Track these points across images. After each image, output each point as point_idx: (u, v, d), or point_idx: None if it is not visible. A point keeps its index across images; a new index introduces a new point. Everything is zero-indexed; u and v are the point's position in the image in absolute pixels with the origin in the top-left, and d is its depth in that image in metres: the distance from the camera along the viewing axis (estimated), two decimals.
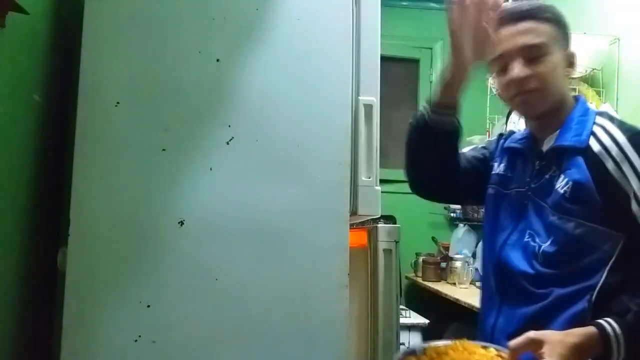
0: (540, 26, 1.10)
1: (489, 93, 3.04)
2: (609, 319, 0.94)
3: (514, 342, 0.90)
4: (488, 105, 3.00)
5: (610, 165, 1.00)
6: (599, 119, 1.06)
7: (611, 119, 1.06)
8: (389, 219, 3.32)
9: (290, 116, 1.20)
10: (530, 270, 1.05)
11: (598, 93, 2.44)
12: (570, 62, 1.13)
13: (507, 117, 2.86)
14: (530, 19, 1.10)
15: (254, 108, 1.19)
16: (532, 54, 1.08)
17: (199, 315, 1.13)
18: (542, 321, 1.00)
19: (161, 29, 1.19)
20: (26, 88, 1.14)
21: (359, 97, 1.23)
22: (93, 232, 1.12)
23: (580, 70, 2.43)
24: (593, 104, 1.83)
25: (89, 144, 1.14)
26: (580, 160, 1.03)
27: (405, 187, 4.00)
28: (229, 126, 1.18)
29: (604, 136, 1.03)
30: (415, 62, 3.58)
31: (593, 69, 2.44)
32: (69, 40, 1.23)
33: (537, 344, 0.89)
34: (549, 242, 1.04)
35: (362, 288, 1.43)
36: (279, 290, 1.15)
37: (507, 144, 1.21)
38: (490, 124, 3.04)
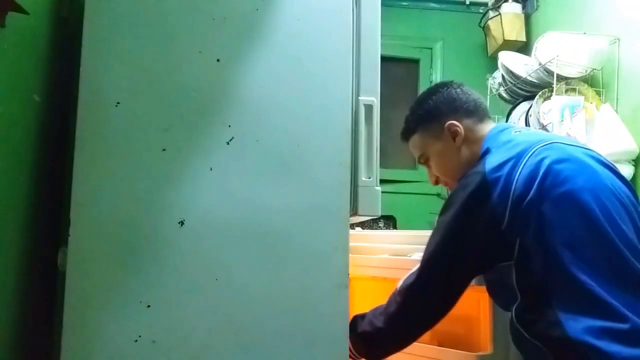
0: (413, 141, 1.37)
1: (489, 93, 3.05)
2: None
3: None
4: (488, 104, 3.00)
5: None
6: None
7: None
8: (388, 219, 3.33)
9: (291, 116, 1.20)
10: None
11: (598, 93, 2.44)
12: (452, 132, 1.28)
13: (507, 116, 2.87)
14: (406, 140, 1.39)
15: (254, 108, 1.19)
16: (423, 162, 1.37)
17: (199, 315, 1.13)
18: None
19: (161, 29, 1.19)
20: (26, 88, 1.14)
21: (359, 97, 1.23)
22: (93, 232, 1.12)
23: (580, 70, 2.44)
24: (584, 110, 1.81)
25: (89, 144, 1.13)
26: None
27: (405, 187, 4.02)
28: (229, 126, 1.18)
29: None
30: (415, 62, 3.58)
31: (593, 69, 2.44)
32: (69, 40, 1.23)
33: None
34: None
35: None
36: (279, 290, 1.15)
37: None
38: None
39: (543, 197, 1.05)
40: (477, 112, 1.31)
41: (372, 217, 1.22)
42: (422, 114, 1.34)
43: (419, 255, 1.52)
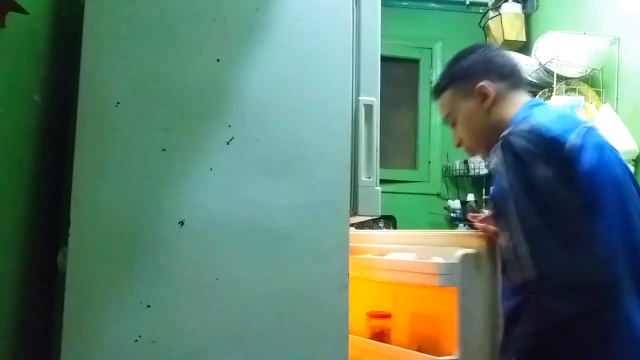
0: (442, 99, 1.32)
1: None
2: None
3: None
4: None
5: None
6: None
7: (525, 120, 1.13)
8: (388, 219, 3.33)
9: (291, 116, 1.20)
10: None
11: (598, 93, 2.44)
12: (482, 94, 1.23)
13: None
14: (436, 97, 1.34)
15: (254, 108, 1.19)
16: (450, 122, 1.32)
17: (199, 315, 1.13)
18: None
19: (161, 29, 1.19)
20: (26, 88, 1.14)
21: (359, 97, 1.23)
22: (93, 232, 1.12)
23: (580, 70, 2.44)
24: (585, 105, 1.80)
25: (89, 144, 1.13)
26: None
27: (405, 187, 4.01)
28: (229, 126, 1.18)
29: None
30: (415, 62, 3.58)
31: (593, 69, 2.44)
32: (69, 41, 1.23)
33: None
34: None
35: None
36: (279, 290, 1.15)
37: None
38: None
39: (602, 168, 1.06)
40: (511, 78, 1.26)
41: (372, 217, 1.21)
42: (455, 72, 1.29)
43: (394, 255, 1.48)
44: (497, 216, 1.15)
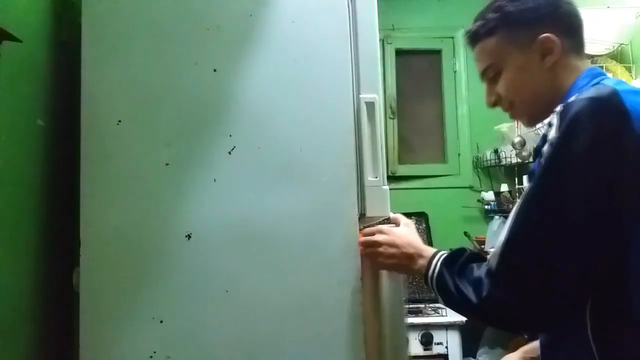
0: (486, 45, 1.06)
1: None
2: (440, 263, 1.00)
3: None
4: None
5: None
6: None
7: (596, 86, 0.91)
8: (420, 216, 3.25)
9: (291, 120, 1.18)
10: None
11: (628, 69, 2.32)
12: (546, 48, 0.99)
13: None
14: (476, 42, 1.07)
15: (254, 115, 1.18)
16: (491, 75, 1.06)
17: (212, 327, 1.12)
18: None
19: (157, 44, 1.19)
20: (28, 114, 1.16)
21: (360, 95, 1.20)
22: (103, 251, 1.13)
23: (606, 46, 2.32)
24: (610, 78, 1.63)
25: (93, 164, 1.15)
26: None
27: (435, 182, 3.92)
28: (230, 136, 1.17)
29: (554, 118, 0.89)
30: (437, 52, 3.49)
31: (621, 44, 2.32)
32: (70, 64, 1.25)
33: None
34: None
35: None
36: (290, 298, 1.13)
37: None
38: None
39: None
40: (577, 37, 1.03)
41: (382, 218, 1.17)
42: (511, 13, 1.02)
43: None
44: None
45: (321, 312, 1.13)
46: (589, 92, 0.87)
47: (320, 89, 1.19)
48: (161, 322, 1.12)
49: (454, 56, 3.47)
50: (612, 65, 2.33)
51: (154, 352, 1.11)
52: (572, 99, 0.88)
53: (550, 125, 0.88)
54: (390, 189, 1.20)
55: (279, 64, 1.20)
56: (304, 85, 1.19)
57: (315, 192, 1.16)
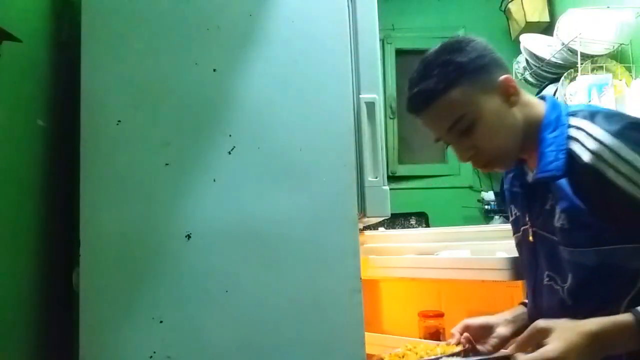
0: (449, 98, 0.98)
1: (514, 78, 2.94)
2: None
3: (520, 337, 0.85)
4: None
5: (611, 173, 0.87)
6: (574, 122, 0.95)
7: (591, 115, 0.94)
8: (420, 215, 3.25)
9: (291, 120, 1.18)
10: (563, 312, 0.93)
11: (628, 69, 2.32)
12: (506, 88, 1.00)
13: None
14: (432, 100, 0.99)
15: (253, 115, 1.18)
16: (463, 127, 0.99)
17: (212, 328, 1.12)
18: None
19: (157, 44, 1.19)
20: (28, 114, 1.16)
21: (360, 95, 1.20)
22: (103, 251, 1.13)
23: (606, 46, 2.32)
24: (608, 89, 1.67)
25: (93, 164, 1.15)
26: (564, 184, 0.92)
27: (435, 182, 3.91)
28: (230, 136, 1.17)
29: (588, 141, 0.90)
30: None
31: (620, 44, 2.32)
32: (70, 64, 1.25)
33: (544, 333, 0.82)
34: (569, 282, 0.94)
35: None
36: (290, 298, 1.13)
37: (506, 187, 1.14)
38: None
39: None
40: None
41: (382, 218, 1.18)
42: (465, 63, 0.98)
43: (447, 253, 1.47)
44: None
45: (321, 312, 1.13)
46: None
47: (320, 89, 1.19)
48: (161, 322, 1.12)
49: None
50: (612, 65, 2.32)
51: (154, 352, 1.11)
52: (578, 122, 0.93)
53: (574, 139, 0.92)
54: (390, 189, 1.20)
55: (278, 63, 1.20)
56: (304, 85, 1.19)
57: (315, 192, 1.16)
